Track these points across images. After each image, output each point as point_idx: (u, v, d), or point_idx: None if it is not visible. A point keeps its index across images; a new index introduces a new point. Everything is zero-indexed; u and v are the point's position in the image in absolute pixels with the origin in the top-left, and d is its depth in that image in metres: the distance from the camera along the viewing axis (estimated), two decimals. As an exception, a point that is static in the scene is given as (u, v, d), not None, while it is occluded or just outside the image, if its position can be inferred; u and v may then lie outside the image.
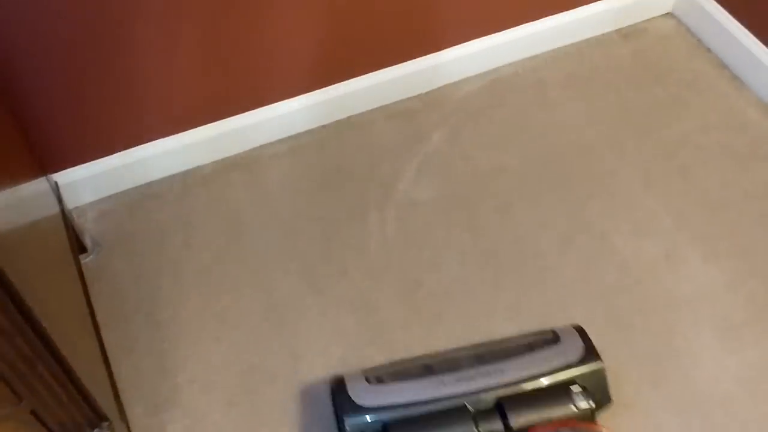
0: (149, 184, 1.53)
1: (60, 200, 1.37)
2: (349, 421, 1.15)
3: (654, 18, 1.85)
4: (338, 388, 1.20)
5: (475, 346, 1.29)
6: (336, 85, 1.57)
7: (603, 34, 1.80)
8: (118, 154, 1.46)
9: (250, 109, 1.52)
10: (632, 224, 1.49)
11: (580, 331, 1.27)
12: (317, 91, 1.56)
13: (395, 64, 1.60)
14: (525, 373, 1.20)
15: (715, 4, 1.75)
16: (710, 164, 1.57)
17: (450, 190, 1.53)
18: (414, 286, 1.40)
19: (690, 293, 1.40)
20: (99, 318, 1.34)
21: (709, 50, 1.78)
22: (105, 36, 1.25)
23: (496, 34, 1.67)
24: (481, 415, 1.16)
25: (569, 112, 1.66)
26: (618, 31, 1.81)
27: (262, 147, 1.58)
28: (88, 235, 1.46)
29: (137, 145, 1.47)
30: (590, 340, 1.24)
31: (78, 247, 1.41)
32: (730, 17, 1.72)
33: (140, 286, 1.40)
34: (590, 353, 1.22)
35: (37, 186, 1.22)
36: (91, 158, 1.45)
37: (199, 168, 1.55)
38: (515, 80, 1.71)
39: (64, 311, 1.04)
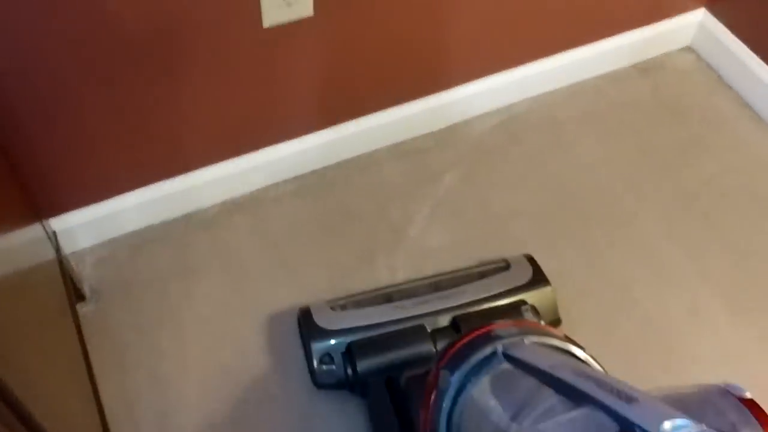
0: (150, 228, 1.46)
1: (57, 247, 1.31)
2: (315, 345, 1.23)
3: (672, 52, 1.79)
4: (304, 315, 1.27)
5: (432, 276, 1.36)
6: (343, 123, 1.51)
7: (620, 69, 1.74)
8: (118, 197, 1.40)
9: (255, 149, 1.46)
10: (654, 273, 1.43)
11: (530, 260, 1.36)
12: (324, 131, 1.50)
13: (405, 101, 1.54)
14: (478, 296, 1.28)
15: (735, 38, 1.69)
16: (734, 210, 1.52)
17: (463, 235, 1.47)
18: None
19: (716, 350, 1.34)
20: (97, 371, 1.28)
21: (729, 87, 1.72)
22: (105, 77, 1.19)
23: (510, 70, 1.61)
24: (438, 333, 1.24)
25: (586, 152, 1.60)
26: (635, 65, 1.76)
27: (266, 188, 1.52)
28: (87, 282, 1.39)
29: (137, 188, 1.41)
30: (539, 267, 1.34)
31: (76, 295, 1.35)
32: (751, 53, 1.66)
33: (141, 337, 1.34)
34: (539, 277, 1.33)
35: (30, 232, 1.16)
36: (91, 202, 1.39)
37: (201, 210, 1.49)
38: (530, 117, 1.65)
39: (55, 371, 0.99)
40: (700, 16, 1.75)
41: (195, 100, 1.31)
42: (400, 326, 1.24)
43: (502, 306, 1.28)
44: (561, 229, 1.48)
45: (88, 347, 1.30)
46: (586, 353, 0.92)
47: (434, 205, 1.51)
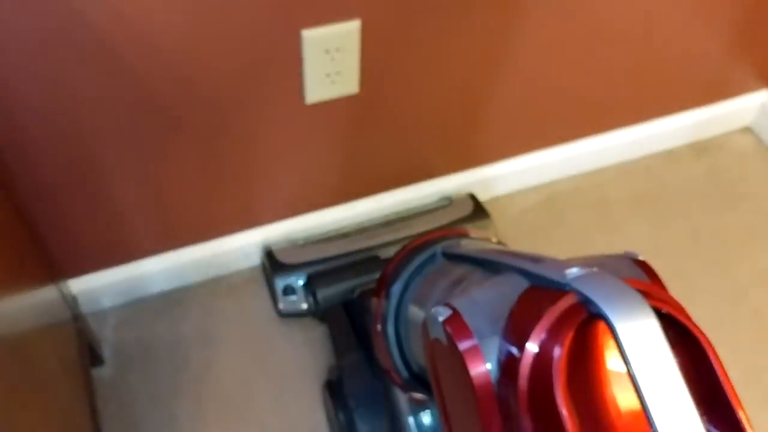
0: (176, 290, 1.42)
1: (74, 309, 1.27)
2: (277, 278, 1.33)
3: (731, 132, 1.71)
4: (267, 254, 1.37)
5: (384, 216, 1.46)
6: (382, 193, 1.46)
7: (675, 148, 1.67)
8: (144, 260, 1.36)
9: (284, 219, 1.42)
10: (697, 376, 1.35)
11: (472, 197, 1.48)
12: (364, 199, 1.45)
13: (448, 173, 1.49)
14: (424, 227, 1.39)
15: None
16: (785, 310, 1.44)
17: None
18: None
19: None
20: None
21: (789, 173, 1.64)
22: (138, 143, 1.15)
23: (557, 146, 1.54)
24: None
25: (633, 236, 1.53)
26: (691, 145, 1.68)
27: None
28: (107, 344, 1.36)
29: (164, 251, 1.37)
30: (480, 202, 1.47)
31: (93, 358, 1.31)
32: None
33: (157, 408, 1.29)
34: (479, 210, 1.46)
35: (44, 293, 1.12)
36: (116, 263, 1.35)
37: (228, 276, 1.44)
38: (576, 196, 1.58)
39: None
40: (763, 97, 1.67)
41: (226, 172, 1.26)
42: (356, 257, 1.35)
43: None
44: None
45: (103, 414, 1.26)
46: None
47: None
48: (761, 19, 1.48)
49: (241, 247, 1.41)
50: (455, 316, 0.59)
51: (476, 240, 0.99)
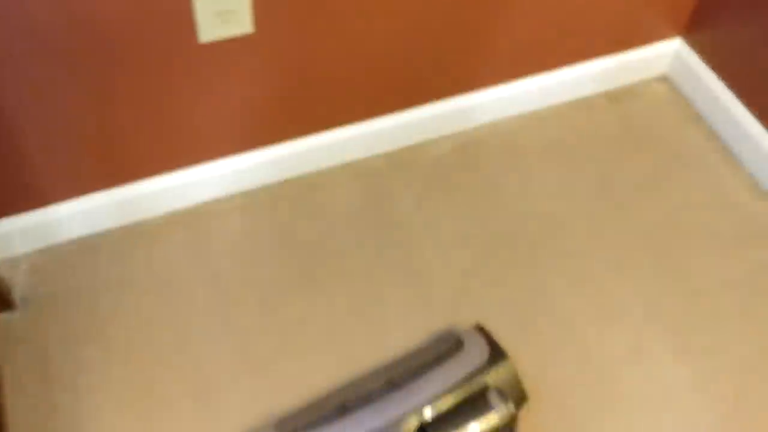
0: (90, 237, 1.44)
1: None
2: None
3: (647, 80, 1.74)
4: None
5: (385, 368, 1.27)
6: (295, 140, 1.48)
7: (590, 96, 1.70)
8: (58, 204, 1.38)
9: (199, 163, 1.43)
10: (598, 310, 1.38)
11: (482, 331, 1.25)
12: (273, 146, 1.47)
13: (360, 120, 1.51)
14: (438, 389, 1.15)
15: (709, 70, 1.64)
16: (690, 248, 1.47)
17: (407, 263, 1.43)
18: (354, 368, 1.30)
19: (654, 393, 1.29)
20: (14, 381, 1.26)
21: (702, 119, 1.67)
22: (39, 86, 1.17)
23: (471, 93, 1.57)
24: None
25: (545, 182, 1.56)
26: (607, 93, 1.71)
27: (210, 203, 1.49)
28: (19, 289, 1.37)
29: (78, 195, 1.38)
30: (493, 339, 1.23)
31: (3, 301, 1.33)
32: (724, 86, 1.61)
33: (66, 349, 1.31)
34: (497, 353, 1.21)
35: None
36: (29, 208, 1.36)
37: (142, 222, 1.46)
38: (489, 143, 1.61)
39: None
40: (676, 45, 1.70)
41: (133, 111, 1.28)
42: None
43: (467, 398, 1.15)
44: (509, 259, 1.44)
45: (10, 356, 1.28)
46: None
47: (381, 230, 1.47)
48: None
49: (156, 192, 1.42)
50: None
51: None
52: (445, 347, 1.23)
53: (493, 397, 1.14)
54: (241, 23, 1.21)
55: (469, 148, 1.59)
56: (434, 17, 1.37)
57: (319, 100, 1.42)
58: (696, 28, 1.66)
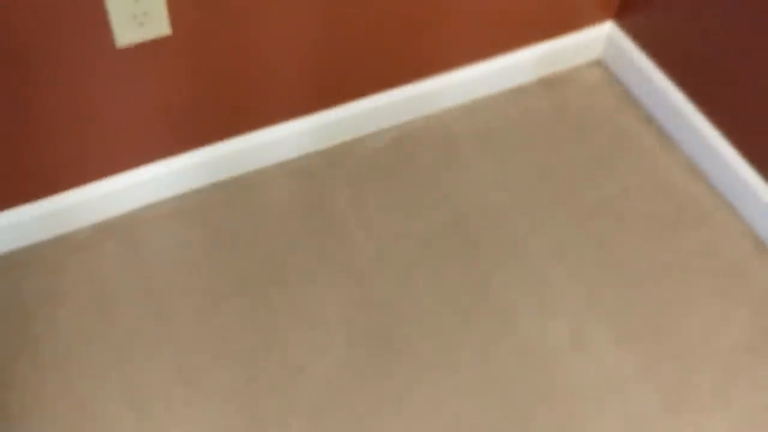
0: (18, 251, 1.40)
1: None
2: None
3: (581, 66, 1.73)
4: None
5: None
6: (227, 140, 1.45)
7: (524, 84, 1.69)
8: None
9: (126, 169, 1.40)
10: (539, 300, 1.37)
11: None
12: (204, 148, 1.44)
13: (292, 118, 1.48)
14: None
15: (642, 53, 1.64)
16: (629, 233, 1.47)
17: (347, 262, 1.41)
18: (295, 372, 1.28)
19: (597, 380, 1.29)
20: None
21: (637, 103, 1.67)
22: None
23: (404, 86, 1.55)
24: None
25: (480, 173, 1.54)
26: (540, 80, 1.70)
27: (140, 210, 1.46)
28: (-56, 308, 1.33)
29: (3, 209, 1.34)
30: None
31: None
32: (657, 69, 1.61)
33: (-5, 368, 1.27)
34: None
35: None
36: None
37: (71, 234, 1.42)
38: (424, 136, 1.59)
39: None
40: (607, 29, 1.69)
41: (51, 120, 1.25)
42: None
43: None
44: (447, 252, 1.43)
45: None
46: None
47: (319, 229, 1.45)
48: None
49: (83, 202, 1.39)
50: None
51: None
52: None
53: None
54: (158, 25, 1.18)
55: (405, 142, 1.58)
56: (363, 7, 1.35)
57: (246, 98, 1.40)
58: (627, 12, 1.65)
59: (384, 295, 1.37)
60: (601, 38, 1.70)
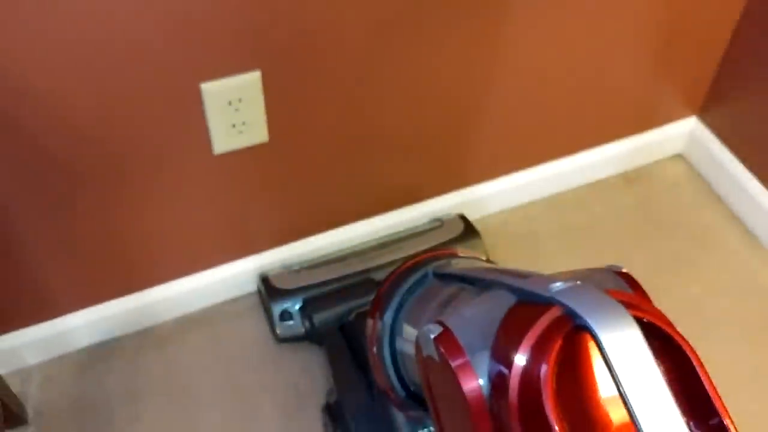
0: (102, 344, 1.41)
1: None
2: (274, 304, 1.35)
3: (662, 160, 1.72)
4: (263, 280, 1.39)
5: (378, 238, 1.48)
6: (303, 239, 1.45)
7: (605, 179, 1.67)
8: (68, 315, 1.35)
9: (212, 267, 1.41)
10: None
11: (462, 217, 1.50)
12: (286, 245, 1.44)
13: (372, 215, 1.49)
14: (416, 249, 1.40)
15: (725, 149, 1.62)
16: (716, 336, 1.43)
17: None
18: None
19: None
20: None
21: (719, 199, 1.65)
22: (51, 203, 1.15)
23: (482, 183, 1.54)
24: None
25: (563, 269, 1.52)
26: (622, 174, 1.69)
27: (226, 302, 1.46)
28: (31, 403, 1.34)
29: (88, 306, 1.36)
30: (470, 222, 1.49)
31: (14, 417, 1.29)
32: (740, 165, 1.59)
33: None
34: (470, 230, 1.47)
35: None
36: (38, 320, 1.34)
37: (154, 328, 1.43)
38: (506, 231, 1.58)
39: None
40: (691, 124, 1.68)
41: (143, 222, 1.26)
42: (350, 280, 1.36)
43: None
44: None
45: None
46: None
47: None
48: (681, 49, 1.50)
49: (165, 299, 1.40)
50: (446, 333, 0.61)
51: (465, 259, 1.02)
52: (429, 225, 1.50)
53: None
54: (257, 134, 1.19)
55: (485, 236, 1.56)
56: (448, 113, 1.35)
57: (329, 200, 1.41)
58: (710, 108, 1.64)
59: None
60: (684, 133, 1.69)
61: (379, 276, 1.35)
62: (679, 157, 1.73)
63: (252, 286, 1.46)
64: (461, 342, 0.60)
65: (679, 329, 1.35)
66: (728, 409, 0.52)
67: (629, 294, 0.64)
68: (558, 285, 0.56)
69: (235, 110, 1.14)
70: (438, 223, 1.49)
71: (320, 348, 1.36)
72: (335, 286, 1.36)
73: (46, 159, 1.08)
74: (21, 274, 1.24)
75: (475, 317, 0.63)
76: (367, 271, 1.38)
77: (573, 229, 1.59)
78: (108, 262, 1.30)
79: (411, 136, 1.36)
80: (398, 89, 1.26)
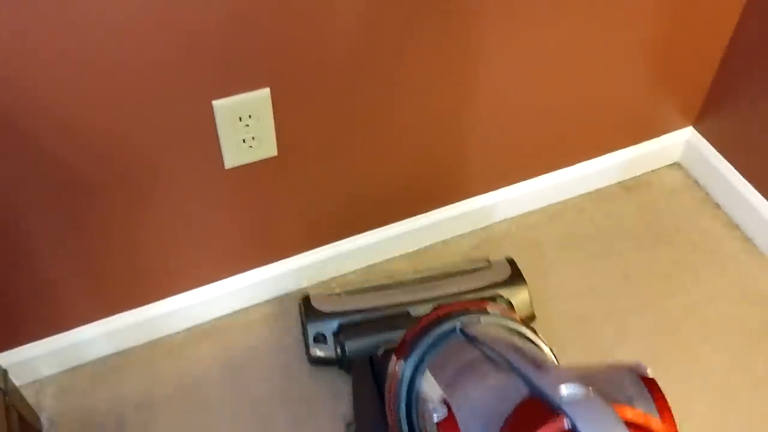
0: (115, 355, 1.44)
1: (2, 383, 1.27)
2: (310, 324, 1.36)
3: (660, 169, 1.75)
4: (304, 300, 1.41)
5: (424, 271, 1.50)
6: (320, 248, 1.48)
7: (605, 188, 1.71)
8: (81, 328, 1.38)
9: (223, 278, 1.44)
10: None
11: (511, 261, 1.48)
12: (296, 257, 1.47)
13: (380, 225, 1.52)
14: (459, 288, 1.41)
15: (721, 157, 1.65)
16: (717, 342, 1.46)
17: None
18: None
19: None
20: None
21: (717, 206, 1.68)
22: (65, 216, 1.18)
23: (483, 194, 1.58)
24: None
25: (566, 277, 1.56)
26: (621, 183, 1.72)
27: (235, 314, 1.48)
28: (46, 414, 1.37)
29: (100, 318, 1.39)
30: (518, 267, 1.47)
31: (29, 428, 1.32)
32: (737, 173, 1.63)
33: (96, 475, 1.30)
34: (516, 276, 1.45)
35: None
36: (52, 333, 1.37)
37: (166, 338, 1.46)
38: (508, 240, 1.62)
39: None
40: (687, 134, 1.72)
41: (156, 235, 1.29)
42: (388, 312, 1.37)
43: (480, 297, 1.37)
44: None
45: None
46: (539, 337, 1.02)
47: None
48: (678, 62, 1.53)
49: (178, 310, 1.42)
50: (449, 421, 0.65)
51: (494, 317, 1.05)
52: (475, 265, 1.49)
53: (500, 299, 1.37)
54: (267, 148, 1.22)
55: (487, 247, 1.60)
56: (452, 127, 1.39)
57: (337, 212, 1.44)
58: (706, 117, 1.67)
59: None
60: (681, 143, 1.72)
61: (417, 311, 1.36)
62: (676, 165, 1.76)
63: (263, 296, 1.49)
64: (462, 429, 0.63)
65: (682, 334, 1.38)
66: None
67: (640, 413, 0.64)
68: (570, 390, 0.58)
69: (245, 126, 1.17)
70: (486, 264, 1.49)
71: (348, 374, 1.38)
72: (372, 315, 1.37)
73: (61, 174, 1.11)
74: (36, 287, 1.27)
75: (483, 402, 0.65)
76: (406, 304, 1.38)
77: (574, 238, 1.62)
78: (121, 275, 1.33)
79: (415, 149, 1.39)
80: (402, 103, 1.30)
